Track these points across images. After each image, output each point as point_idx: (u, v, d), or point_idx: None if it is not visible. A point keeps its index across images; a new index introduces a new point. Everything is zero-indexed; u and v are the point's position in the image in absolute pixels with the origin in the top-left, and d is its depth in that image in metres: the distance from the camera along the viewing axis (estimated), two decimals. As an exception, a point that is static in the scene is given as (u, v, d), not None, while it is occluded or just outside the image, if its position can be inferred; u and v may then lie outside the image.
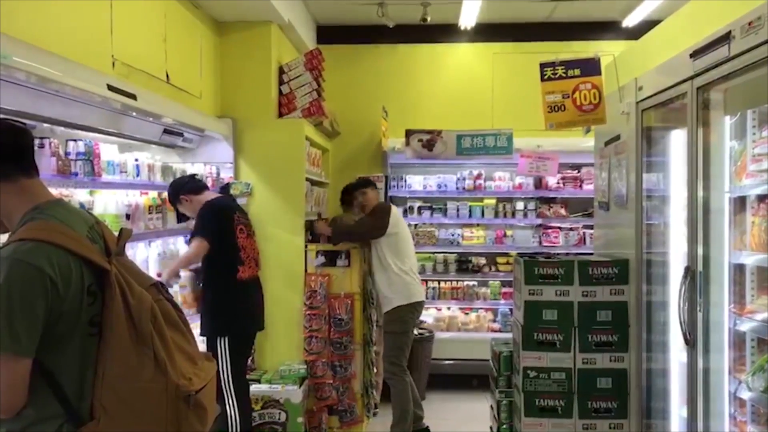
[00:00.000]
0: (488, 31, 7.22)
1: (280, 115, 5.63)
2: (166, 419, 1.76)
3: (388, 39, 7.20)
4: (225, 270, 4.16)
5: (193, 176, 4.40)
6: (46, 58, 2.83)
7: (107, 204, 3.70)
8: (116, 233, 1.95)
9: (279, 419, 4.78)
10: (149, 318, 1.80)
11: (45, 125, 3.34)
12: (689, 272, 3.19)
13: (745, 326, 3.00)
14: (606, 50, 4.33)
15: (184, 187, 4.24)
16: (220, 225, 4.17)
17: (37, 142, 3.12)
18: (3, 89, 2.66)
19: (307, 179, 5.50)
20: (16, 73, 2.61)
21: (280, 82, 5.66)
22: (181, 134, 4.69)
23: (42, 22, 2.98)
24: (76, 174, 3.32)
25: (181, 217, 4.42)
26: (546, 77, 4.15)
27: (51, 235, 1.69)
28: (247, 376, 4.56)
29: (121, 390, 1.73)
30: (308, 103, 5.61)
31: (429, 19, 6.46)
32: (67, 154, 3.32)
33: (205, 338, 4.13)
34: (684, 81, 3.20)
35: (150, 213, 4.11)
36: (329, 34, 7.31)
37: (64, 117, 3.32)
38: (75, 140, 3.41)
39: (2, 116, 2.93)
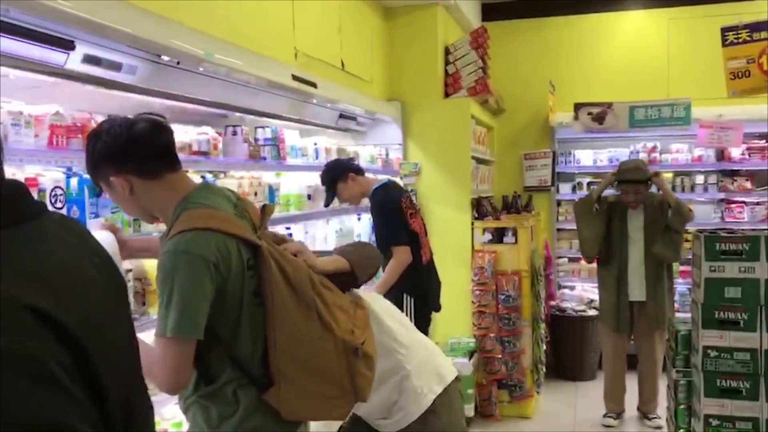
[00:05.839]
0: (662, -4, 6.85)
1: (446, 95, 5.73)
2: (341, 373, 1.88)
3: (554, 11, 7.04)
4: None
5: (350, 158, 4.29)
6: (238, 53, 3.10)
7: (291, 185, 3.99)
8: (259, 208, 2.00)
9: (450, 390, 4.92)
10: (309, 283, 1.87)
11: (236, 114, 3.66)
12: None
13: None
14: (798, 8, 4.00)
15: (349, 166, 4.10)
16: (402, 219, 3.96)
17: (230, 130, 3.44)
18: (201, 83, 2.95)
19: (473, 157, 5.57)
20: (217, 69, 2.89)
21: (446, 63, 5.76)
22: (354, 118, 4.95)
23: (234, 20, 3.27)
24: (265, 158, 3.59)
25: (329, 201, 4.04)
26: (728, 42, 3.92)
27: (207, 221, 1.76)
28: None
29: (295, 354, 1.84)
30: (473, 81, 5.67)
31: (597, -13, 6.26)
32: (256, 140, 3.61)
33: None
34: None
35: (329, 193, 4.36)
36: (494, 10, 7.26)
37: (252, 106, 3.61)
38: (263, 127, 3.69)
39: (202, 107, 3.30)
